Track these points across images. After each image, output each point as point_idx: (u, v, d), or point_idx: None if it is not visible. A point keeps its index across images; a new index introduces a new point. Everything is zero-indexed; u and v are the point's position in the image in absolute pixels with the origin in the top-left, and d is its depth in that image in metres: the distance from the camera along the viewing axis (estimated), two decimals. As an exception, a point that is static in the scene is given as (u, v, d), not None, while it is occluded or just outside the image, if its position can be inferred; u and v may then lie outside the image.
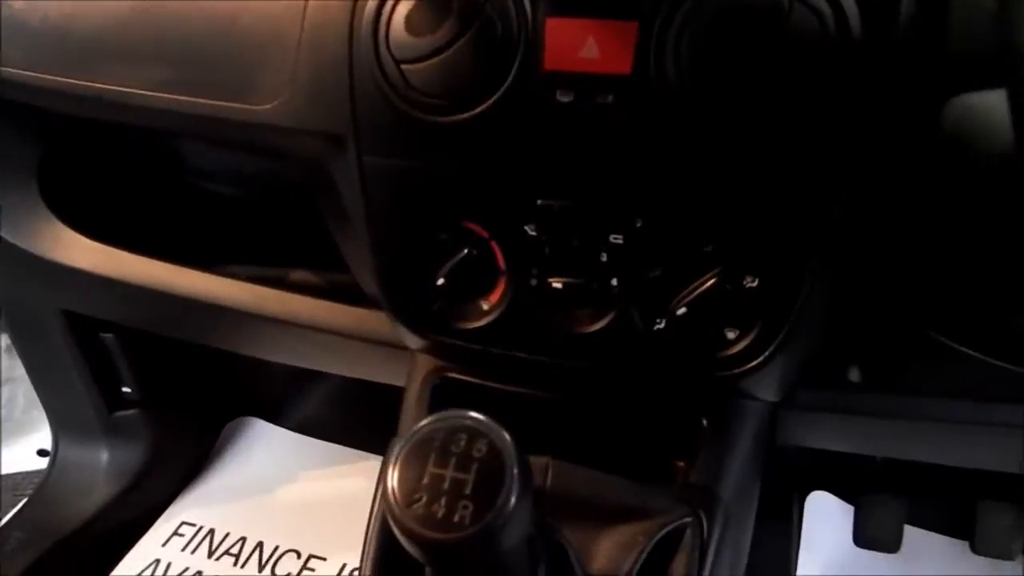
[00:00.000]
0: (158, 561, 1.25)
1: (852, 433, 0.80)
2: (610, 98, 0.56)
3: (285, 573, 1.23)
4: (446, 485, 0.36)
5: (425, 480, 0.37)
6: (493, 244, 0.62)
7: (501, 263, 0.62)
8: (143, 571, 1.24)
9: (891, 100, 0.53)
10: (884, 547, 1.02)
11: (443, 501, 0.36)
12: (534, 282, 0.62)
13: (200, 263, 0.95)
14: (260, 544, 1.28)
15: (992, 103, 0.53)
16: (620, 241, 0.58)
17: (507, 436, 0.37)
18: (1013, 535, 1.03)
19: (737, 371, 0.59)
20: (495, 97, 0.57)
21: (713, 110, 0.54)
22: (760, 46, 0.51)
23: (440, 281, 0.63)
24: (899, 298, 0.66)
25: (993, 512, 1.03)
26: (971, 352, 0.65)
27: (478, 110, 0.58)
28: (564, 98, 0.56)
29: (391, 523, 0.37)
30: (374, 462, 1.37)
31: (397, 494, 0.37)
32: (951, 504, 1.12)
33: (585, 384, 0.66)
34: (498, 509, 0.36)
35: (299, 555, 1.25)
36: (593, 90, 0.56)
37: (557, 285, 0.60)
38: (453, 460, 0.37)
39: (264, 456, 1.47)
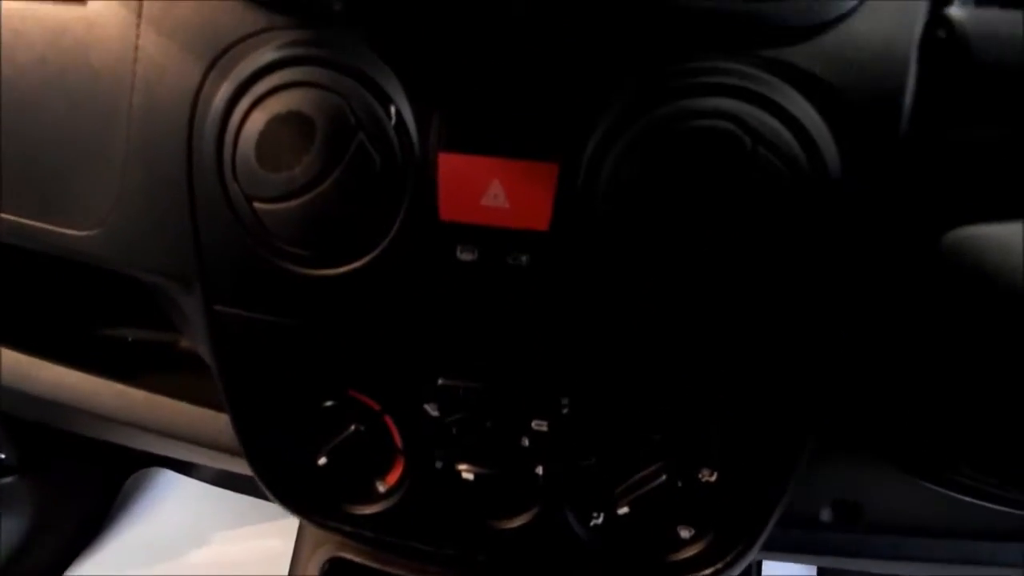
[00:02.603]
0: (51, 645, 1.12)
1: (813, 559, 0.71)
2: (524, 259, 0.42)
3: (199, 653, 1.10)
4: None
5: None
6: (387, 418, 0.49)
7: (398, 441, 0.49)
8: (34, 659, 1.10)
9: (876, 241, 0.41)
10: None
11: None
12: (439, 464, 0.49)
13: (75, 326, 0.79)
14: (170, 618, 1.15)
15: (1004, 237, 0.42)
16: (544, 428, 0.46)
17: None
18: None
19: (692, 576, 0.47)
20: (375, 252, 0.43)
21: (654, 274, 0.41)
22: (716, 199, 0.38)
23: (322, 460, 0.50)
24: (879, 442, 0.55)
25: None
26: (973, 500, 0.55)
27: (354, 266, 0.44)
28: (465, 256, 0.43)
29: None
30: (291, 519, 1.25)
31: None
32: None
33: (506, 578, 0.54)
34: None
35: (214, 629, 1.13)
36: (502, 248, 0.42)
37: (468, 476, 0.47)
38: None
39: (172, 512, 1.33)
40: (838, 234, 0.40)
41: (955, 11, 0.36)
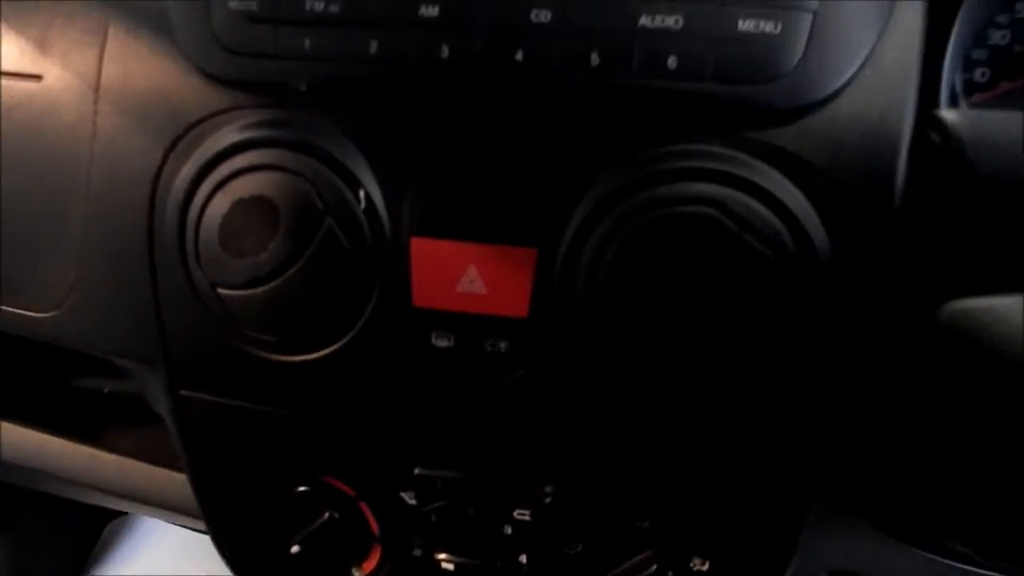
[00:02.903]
0: None
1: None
2: (503, 345, 0.40)
3: None
4: None
5: None
6: (362, 505, 0.47)
7: (374, 528, 0.47)
8: None
9: (870, 317, 0.40)
10: None
11: None
12: (418, 553, 0.46)
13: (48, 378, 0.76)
14: None
15: (1003, 310, 0.41)
16: (527, 517, 0.44)
17: None
18: None
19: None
20: (346, 339, 0.42)
21: (639, 359, 0.39)
22: (700, 285, 0.37)
23: (295, 548, 0.47)
24: (875, 511, 0.53)
25: None
26: (970, 567, 0.54)
27: (324, 353, 0.42)
28: (441, 343, 0.41)
29: None
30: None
31: None
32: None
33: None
34: None
35: None
36: (479, 335, 0.41)
37: (448, 566, 0.45)
38: None
39: (152, 560, 1.30)
40: (829, 313, 0.38)
41: (948, 114, 0.34)
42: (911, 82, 0.37)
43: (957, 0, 0.42)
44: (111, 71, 0.44)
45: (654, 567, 0.43)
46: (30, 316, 0.49)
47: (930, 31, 0.39)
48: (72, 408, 0.75)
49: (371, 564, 0.48)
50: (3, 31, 0.47)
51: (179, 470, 0.63)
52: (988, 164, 0.32)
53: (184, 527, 1.31)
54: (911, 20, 0.38)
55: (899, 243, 0.38)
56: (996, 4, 0.43)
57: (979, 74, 0.44)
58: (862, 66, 0.36)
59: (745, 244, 0.36)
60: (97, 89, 0.45)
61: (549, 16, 0.36)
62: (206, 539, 1.32)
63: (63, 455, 0.69)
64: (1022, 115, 0.33)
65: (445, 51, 0.37)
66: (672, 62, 0.36)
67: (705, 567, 0.44)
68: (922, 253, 0.40)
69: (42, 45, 0.46)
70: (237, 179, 0.40)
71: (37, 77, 0.46)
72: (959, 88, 0.44)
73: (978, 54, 0.44)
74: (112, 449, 0.69)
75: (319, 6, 0.39)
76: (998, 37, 0.44)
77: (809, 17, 0.35)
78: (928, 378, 0.43)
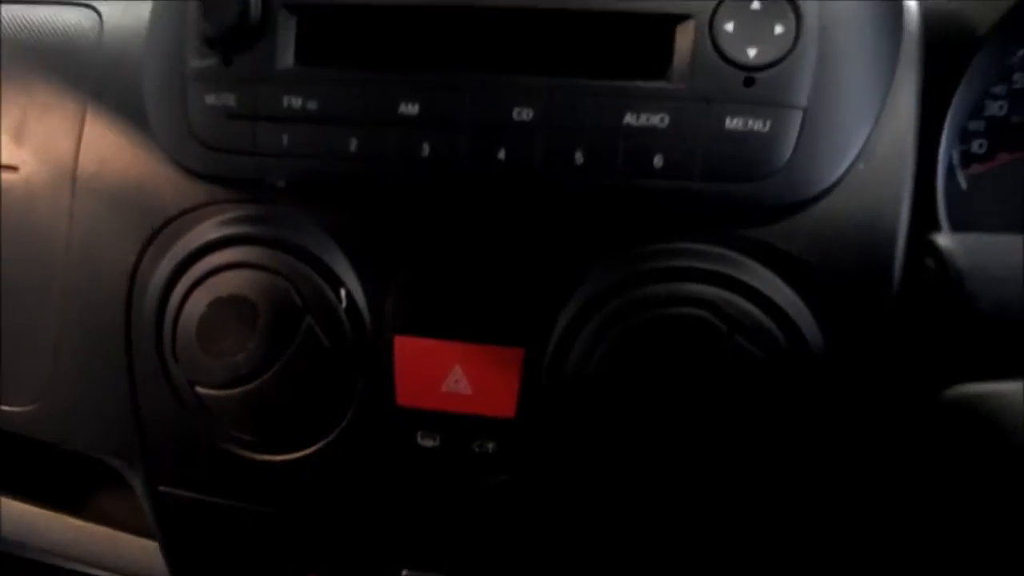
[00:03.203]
0: None
1: None
2: (490, 446, 0.39)
3: None
4: None
5: None
6: (349, 603, 0.45)
7: (362, 625, 0.45)
8: None
9: (868, 405, 0.38)
10: None
11: None
12: (412, 650, 0.45)
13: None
14: None
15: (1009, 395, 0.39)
16: (521, 617, 0.42)
17: None
18: None
19: None
20: (328, 439, 0.40)
21: (628, 459, 0.38)
22: (690, 386, 0.35)
23: (279, 648, 0.45)
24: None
25: None
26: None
27: (305, 452, 0.41)
28: (427, 442, 0.40)
29: None
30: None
31: None
32: None
33: None
34: None
35: None
36: (466, 435, 0.39)
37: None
38: None
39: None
40: (824, 410, 0.36)
41: (944, 240, 0.33)
42: (907, 171, 0.36)
43: (955, 75, 0.41)
44: (88, 163, 0.44)
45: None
46: (5, 411, 0.48)
47: (926, 106, 0.38)
48: (60, 469, 0.73)
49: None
50: (-21, 121, 0.46)
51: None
52: (987, 298, 0.31)
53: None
54: (905, 108, 0.37)
55: (894, 338, 0.37)
56: (993, 75, 0.42)
57: (976, 145, 0.43)
58: (855, 160, 0.35)
59: (736, 346, 0.35)
60: (74, 181, 0.44)
61: (531, 114, 0.35)
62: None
63: (50, 527, 0.67)
64: (1021, 240, 0.31)
65: (426, 149, 0.36)
66: (658, 161, 0.35)
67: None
68: (921, 340, 0.38)
69: (18, 136, 0.45)
70: (215, 277, 0.39)
71: (14, 168, 0.46)
72: (956, 160, 0.43)
73: (975, 125, 0.43)
74: (100, 517, 0.67)
75: (297, 103, 0.38)
76: (995, 108, 0.43)
77: (799, 114, 0.34)
78: (928, 467, 0.41)
